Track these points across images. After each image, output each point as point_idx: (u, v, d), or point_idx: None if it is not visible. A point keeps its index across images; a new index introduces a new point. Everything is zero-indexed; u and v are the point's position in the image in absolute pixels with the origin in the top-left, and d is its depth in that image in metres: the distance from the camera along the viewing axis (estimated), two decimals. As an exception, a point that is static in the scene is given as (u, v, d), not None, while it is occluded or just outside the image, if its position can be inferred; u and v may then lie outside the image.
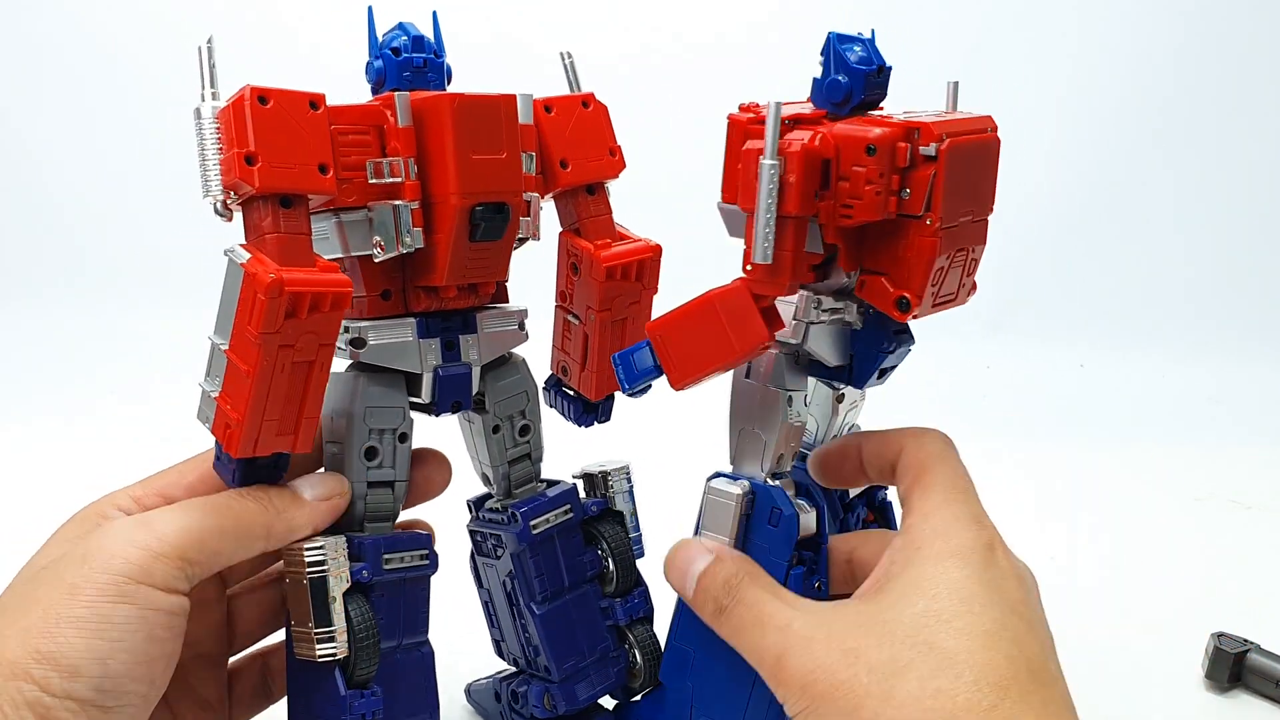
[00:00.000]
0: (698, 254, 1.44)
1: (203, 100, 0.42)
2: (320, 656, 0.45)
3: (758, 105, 0.48)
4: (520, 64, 1.48)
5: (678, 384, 0.48)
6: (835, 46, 0.46)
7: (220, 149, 0.41)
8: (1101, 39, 1.55)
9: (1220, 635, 0.70)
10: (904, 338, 0.50)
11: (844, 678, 0.41)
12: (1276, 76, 1.54)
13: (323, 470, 0.48)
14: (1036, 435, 1.20)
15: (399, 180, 0.45)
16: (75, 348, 1.44)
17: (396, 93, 0.45)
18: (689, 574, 0.48)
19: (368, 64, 0.48)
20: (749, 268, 0.45)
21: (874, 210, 0.43)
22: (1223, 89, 1.55)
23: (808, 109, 0.47)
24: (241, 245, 0.42)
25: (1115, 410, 1.29)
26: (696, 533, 0.52)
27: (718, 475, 0.52)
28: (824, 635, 0.43)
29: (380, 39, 0.48)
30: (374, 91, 0.48)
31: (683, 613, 0.52)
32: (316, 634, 0.45)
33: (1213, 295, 1.52)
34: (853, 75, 0.45)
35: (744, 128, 0.47)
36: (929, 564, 0.43)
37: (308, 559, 0.45)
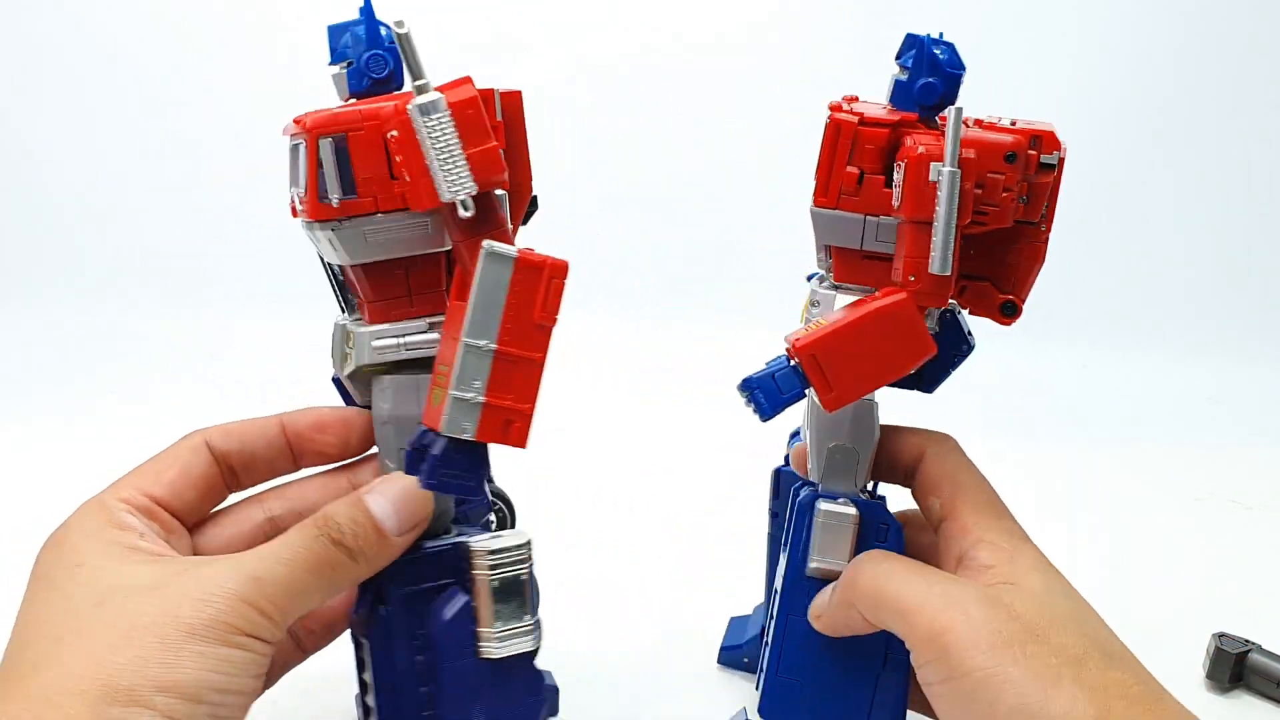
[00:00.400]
0: (696, 253, 1.45)
1: (419, 93, 0.40)
2: (535, 647, 0.47)
3: (841, 104, 0.47)
4: (516, 64, 1.48)
5: (835, 405, 0.45)
6: (929, 49, 0.46)
7: (461, 144, 0.40)
8: (1101, 39, 1.55)
9: (1221, 635, 0.70)
10: (971, 340, 0.50)
11: (1033, 651, 0.40)
12: (1277, 76, 1.54)
13: (393, 481, 0.45)
14: (1036, 435, 1.20)
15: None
16: (75, 348, 1.44)
17: (494, 88, 0.45)
18: (824, 592, 0.48)
19: (376, 55, 0.46)
20: (913, 278, 0.44)
21: (1008, 217, 0.44)
22: (1223, 89, 1.55)
23: (882, 111, 0.46)
24: (492, 239, 0.42)
25: (1115, 410, 1.29)
26: (790, 554, 0.50)
27: (818, 496, 0.49)
28: (1002, 600, 0.42)
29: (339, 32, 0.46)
30: (382, 88, 0.46)
31: (787, 644, 0.50)
32: (532, 625, 0.46)
33: (1213, 295, 1.52)
34: (944, 79, 0.45)
35: (853, 129, 0.46)
36: (1039, 574, 0.44)
37: (521, 556, 0.46)
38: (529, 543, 0.46)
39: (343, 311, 0.49)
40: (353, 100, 0.46)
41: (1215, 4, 1.54)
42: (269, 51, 1.49)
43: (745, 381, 0.46)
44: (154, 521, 0.45)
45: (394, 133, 0.41)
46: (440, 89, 0.41)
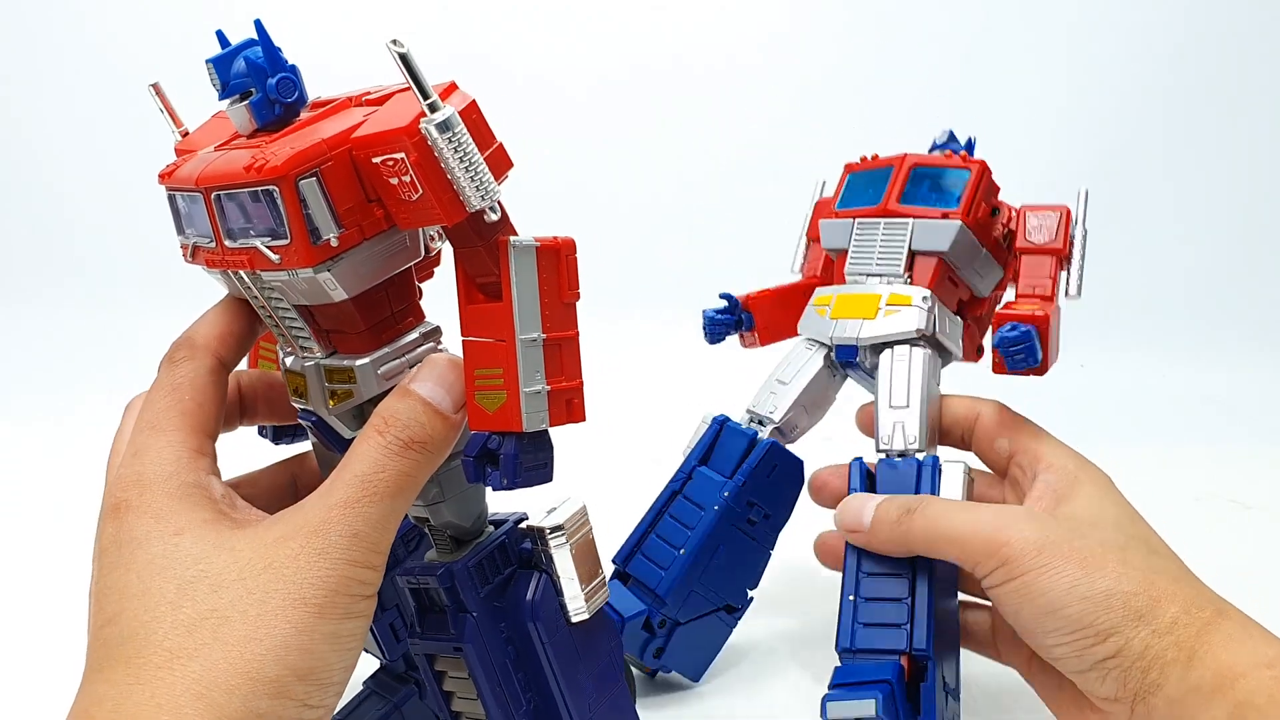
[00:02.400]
0: (685, 265, 1.44)
1: (433, 111, 0.38)
2: (609, 595, 0.49)
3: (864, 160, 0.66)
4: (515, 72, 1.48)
5: (1048, 368, 0.59)
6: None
7: (477, 150, 0.39)
8: (1100, 39, 1.55)
9: (1220, 635, 0.70)
10: None
11: (1079, 544, 0.50)
12: (1277, 76, 1.54)
13: (428, 366, 0.43)
14: (1037, 435, 1.20)
15: None
16: (76, 349, 1.44)
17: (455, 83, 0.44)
18: (865, 509, 0.56)
19: (285, 79, 0.44)
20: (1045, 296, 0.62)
21: None
22: (1223, 89, 1.55)
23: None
24: (508, 235, 0.41)
25: (1115, 410, 1.29)
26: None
27: (935, 458, 0.59)
28: (1043, 515, 0.52)
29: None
30: (291, 112, 0.44)
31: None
32: (604, 577, 0.49)
33: (1213, 295, 1.52)
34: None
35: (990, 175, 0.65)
36: (1093, 486, 0.55)
37: (585, 519, 0.48)
38: (584, 506, 0.48)
39: (300, 353, 0.46)
40: (259, 133, 0.44)
41: (1215, 4, 1.54)
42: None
43: (1019, 334, 0.57)
44: (215, 469, 0.44)
45: (399, 155, 0.39)
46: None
